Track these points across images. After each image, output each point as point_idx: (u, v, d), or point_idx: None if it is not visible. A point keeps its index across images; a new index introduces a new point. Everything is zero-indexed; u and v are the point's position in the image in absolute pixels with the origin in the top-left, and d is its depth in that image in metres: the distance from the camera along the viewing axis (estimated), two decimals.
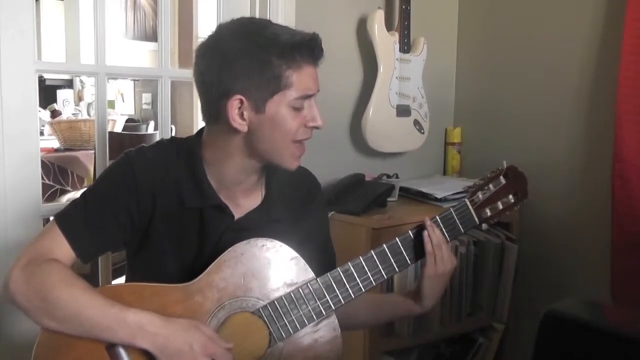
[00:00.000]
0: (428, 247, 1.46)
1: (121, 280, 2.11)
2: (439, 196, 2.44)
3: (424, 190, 2.50)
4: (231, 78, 1.33)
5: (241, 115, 1.35)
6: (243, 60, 1.32)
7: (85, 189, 1.47)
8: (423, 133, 2.70)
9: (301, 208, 1.55)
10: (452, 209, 1.50)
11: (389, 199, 2.44)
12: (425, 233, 1.46)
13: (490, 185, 1.52)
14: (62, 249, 1.35)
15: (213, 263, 1.37)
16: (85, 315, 1.27)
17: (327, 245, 1.64)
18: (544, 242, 2.63)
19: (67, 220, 1.38)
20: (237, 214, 1.46)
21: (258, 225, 1.45)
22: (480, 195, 1.51)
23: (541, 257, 2.64)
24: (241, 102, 1.34)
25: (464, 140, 2.97)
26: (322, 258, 1.56)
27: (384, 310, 1.64)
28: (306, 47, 1.34)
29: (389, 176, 2.65)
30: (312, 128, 1.41)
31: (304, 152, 1.43)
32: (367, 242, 2.15)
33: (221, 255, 1.37)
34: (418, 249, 1.47)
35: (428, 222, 1.48)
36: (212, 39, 1.38)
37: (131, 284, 1.43)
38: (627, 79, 2.23)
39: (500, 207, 1.52)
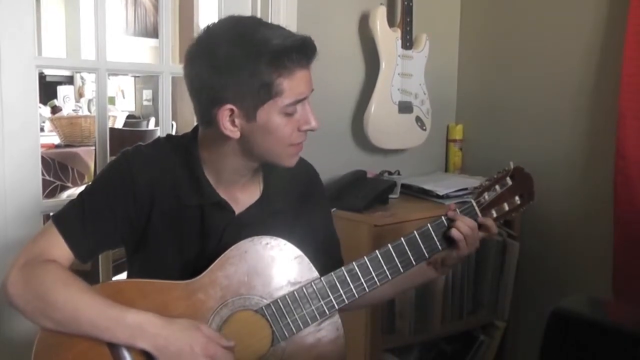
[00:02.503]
0: (457, 234, 1.45)
1: (122, 277, 2.11)
2: (440, 193, 2.44)
3: (426, 187, 2.49)
4: (221, 86, 1.31)
5: (232, 123, 1.33)
6: (232, 68, 1.30)
7: (83, 188, 1.47)
8: (425, 130, 2.70)
9: (301, 199, 1.55)
10: (458, 210, 1.49)
11: (390, 196, 2.43)
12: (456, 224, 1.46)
13: (497, 186, 1.51)
14: (60, 249, 1.35)
15: (216, 260, 1.36)
16: (83, 316, 1.26)
17: (330, 234, 1.64)
18: (545, 239, 2.63)
19: (64, 220, 1.38)
20: (237, 209, 1.45)
21: (259, 219, 1.45)
22: (486, 196, 1.50)
23: (543, 255, 2.64)
24: (232, 111, 1.32)
25: (465, 137, 2.96)
26: (326, 248, 1.57)
27: (404, 281, 1.59)
28: (297, 52, 1.31)
29: (390, 173, 2.64)
30: (306, 131, 1.39)
31: (301, 150, 1.42)
32: (368, 239, 2.15)
33: (224, 253, 1.37)
34: (423, 250, 1.46)
35: (451, 212, 1.47)
36: (200, 43, 1.35)
37: (133, 280, 1.42)
38: (629, 75, 2.22)
39: (507, 208, 1.52)
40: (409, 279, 1.59)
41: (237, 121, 1.33)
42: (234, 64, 1.29)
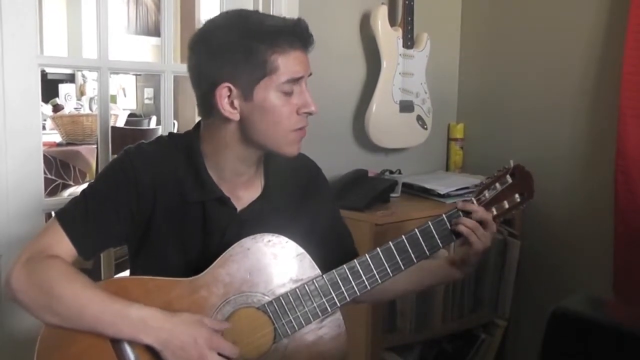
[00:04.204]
0: (464, 229, 1.45)
1: (124, 275, 2.10)
2: (442, 192, 2.44)
3: (427, 186, 2.50)
4: (218, 68, 1.34)
5: (231, 104, 1.35)
6: (228, 48, 1.33)
7: (85, 186, 1.47)
8: (426, 129, 2.70)
9: (303, 194, 1.56)
10: (459, 203, 1.49)
11: (391, 195, 2.43)
12: (461, 220, 1.46)
13: (497, 184, 1.51)
14: (63, 245, 1.35)
15: (219, 258, 1.37)
16: (87, 311, 1.27)
17: (338, 227, 1.65)
18: (546, 237, 2.64)
19: (67, 217, 1.38)
20: (239, 206, 1.46)
21: (260, 215, 1.46)
22: (486, 194, 1.50)
23: (543, 253, 2.65)
24: (230, 90, 1.34)
25: (466, 136, 2.97)
26: (336, 241, 1.59)
27: (424, 279, 1.62)
28: (290, 32, 1.34)
29: (391, 172, 2.64)
30: (306, 114, 1.40)
31: (303, 136, 1.42)
32: (370, 238, 2.15)
33: (227, 250, 1.37)
34: (424, 247, 1.46)
35: (460, 205, 1.47)
36: (199, 32, 1.39)
37: (136, 277, 1.42)
38: (630, 74, 2.23)
39: (507, 206, 1.52)
40: (433, 277, 1.62)
41: (235, 102, 1.35)
42: (229, 45, 1.33)
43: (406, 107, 2.59)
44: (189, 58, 1.39)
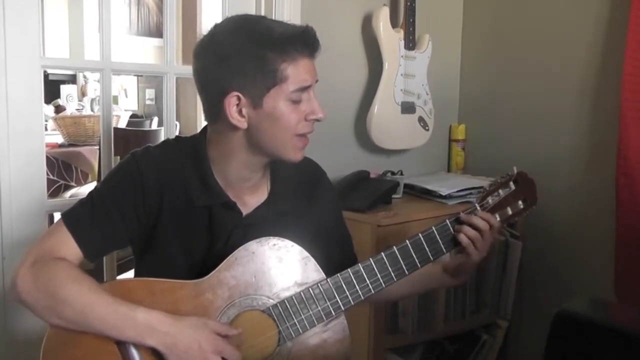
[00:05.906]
0: (464, 239, 1.46)
1: (125, 276, 2.10)
2: (443, 193, 2.44)
3: (429, 187, 2.50)
4: (227, 75, 1.33)
5: (240, 112, 1.35)
6: (237, 56, 1.33)
7: (92, 187, 1.48)
8: (427, 130, 2.70)
9: (308, 198, 1.56)
10: (462, 214, 1.50)
11: (393, 196, 2.44)
12: (462, 228, 1.47)
13: (500, 191, 1.52)
14: (69, 247, 1.36)
15: (224, 261, 1.37)
16: (93, 314, 1.27)
17: (341, 232, 1.66)
18: (548, 239, 2.64)
19: (74, 218, 1.39)
20: (245, 211, 1.46)
21: (266, 219, 1.46)
22: (490, 200, 1.51)
23: (545, 254, 2.65)
24: (238, 98, 1.34)
25: (468, 137, 2.97)
26: (338, 245, 1.60)
27: (418, 283, 1.63)
28: (299, 40, 1.34)
29: (393, 173, 2.65)
30: (313, 121, 1.41)
31: (307, 144, 1.43)
32: (372, 240, 2.15)
33: (233, 253, 1.38)
34: (427, 253, 1.47)
35: (463, 217, 1.48)
36: (206, 37, 1.39)
37: (142, 279, 1.42)
38: (631, 75, 2.23)
39: (510, 212, 1.53)
40: (428, 281, 1.63)
41: (244, 110, 1.35)
42: (238, 52, 1.32)
43: (408, 108, 2.59)
44: (195, 63, 1.39)
